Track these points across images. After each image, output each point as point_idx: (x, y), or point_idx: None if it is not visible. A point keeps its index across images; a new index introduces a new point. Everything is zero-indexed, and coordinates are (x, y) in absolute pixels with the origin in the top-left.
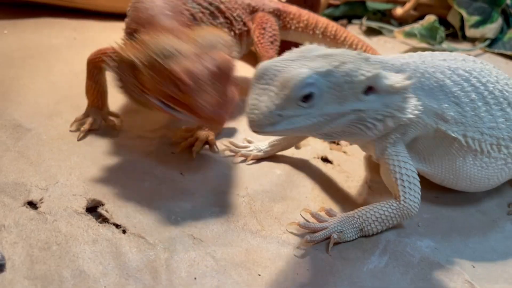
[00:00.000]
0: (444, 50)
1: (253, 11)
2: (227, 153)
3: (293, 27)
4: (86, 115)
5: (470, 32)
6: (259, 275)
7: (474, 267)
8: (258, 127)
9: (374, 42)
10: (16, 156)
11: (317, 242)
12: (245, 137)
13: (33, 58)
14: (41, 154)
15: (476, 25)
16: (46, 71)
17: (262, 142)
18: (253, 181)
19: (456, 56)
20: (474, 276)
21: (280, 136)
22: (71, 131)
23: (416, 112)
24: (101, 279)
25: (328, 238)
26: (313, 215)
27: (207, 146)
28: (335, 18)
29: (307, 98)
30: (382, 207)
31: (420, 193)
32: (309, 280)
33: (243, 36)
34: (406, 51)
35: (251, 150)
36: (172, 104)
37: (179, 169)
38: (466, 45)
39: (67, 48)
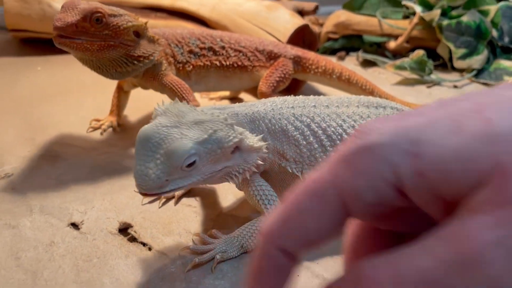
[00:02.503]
0: (432, 81)
1: (276, 56)
2: (148, 199)
3: (312, 72)
4: (105, 119)
5: (457, 64)
6: None
7: None
8: (147, 191)
9: (369, 73)
10: (58, 183)
11: (205, 262)
12: None
13: (64, 94)
14: (79, 182)
15: (463, 57)
16: (77, 106)
17: None
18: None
19: (307, 102)
20: None
21: None
22: (90, 128)
23: (265, 152)
24: (132, 285)
25: (213, 258)
26: (201, 239)
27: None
28: (334, 50)
29: (189, 165)
30: (254, 224)
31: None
32: None
33: (236, 68)
34: (399, 82)
35: None
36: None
37: (194, 195)
38: (454, 76)
39: (94, 84)
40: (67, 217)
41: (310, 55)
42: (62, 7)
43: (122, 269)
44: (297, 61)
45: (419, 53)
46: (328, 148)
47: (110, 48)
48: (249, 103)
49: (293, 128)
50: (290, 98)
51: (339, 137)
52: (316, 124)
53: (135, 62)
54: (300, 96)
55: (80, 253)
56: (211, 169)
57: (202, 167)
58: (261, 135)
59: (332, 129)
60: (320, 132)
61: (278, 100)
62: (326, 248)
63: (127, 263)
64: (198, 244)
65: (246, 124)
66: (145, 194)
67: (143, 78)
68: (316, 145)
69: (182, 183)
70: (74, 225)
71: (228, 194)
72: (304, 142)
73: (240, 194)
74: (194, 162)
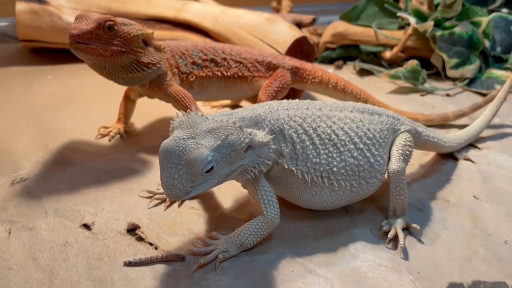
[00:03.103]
0: (426, 89)
1: (274, 67)
2: (154, 202)
3: (309, 82)
4: (112, 127)
5: (450, 73)
6: None
7: (419, 273)
8: (176, 199)
9: (365, 81)
10: (70, 187)
11: (209, 263)
12: (160, 183)
13: (74, 103)
14: (89, 185)
15: (456, 66)
16: (86, 114)
17: None
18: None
19: (300, 105)
20: (416, 278)
21: None
22: (98, 135)
23: (273, 155)
24: (140, 281)
25: (216, 257)
26: (202, 241)
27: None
28: (332, 60)
29: (208, 170)
30: (253, 223)
31: (277, 207)
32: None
33: (236, 78)
34: (394, 90)
35: None
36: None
37: (196, 198)
38: (447, 84)
39: (101, 92)
40: (79, 218)
41: (307, 66)
42: (76, 18)
43: (131, 267)
44: (295, 72)
45: (413, 62)
46: (319, 146)
47: (122, 54)
48: (250, 107)
49: (288, 127)
50: (285, 101)
51: (327, 136)
52: (308, 124)
53: (145, 68)
54: (296, 99)
55: (92, 252)
56: (228, 169)
57: (221, 169)
58: (267, 129)
59: (322, 129)
60: (311, 131)
61: (274, 103)
62: (318, 245)
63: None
64: (200, 247)
65: (251, 127)
66: (175, 201)
67: (149, 88)
68: (308, 143)
69: (205, 186)
70: (86, 226)
71: (228, 197)
72: (298, 140)
73: (240, 197)
74: (212, 168)
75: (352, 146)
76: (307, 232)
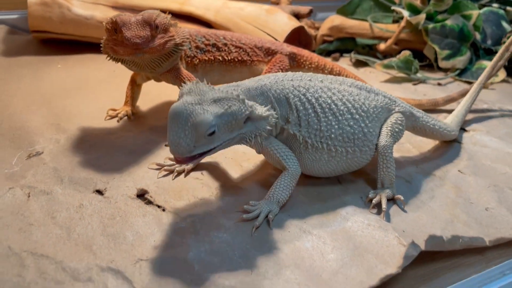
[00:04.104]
0: (418, 78)
1: (273, 53)
2: (162, 173)
3: (306, 67)
4: (120, 109)
5: (442, 64)
6: None
7: (404, 231)
8: (180, 155)
9: (361, 72)
10: (82, 160)
11: (262, 223)
12: (167, 157)
13: (83, 89)
14: (100, 159)
15: (447, 57)
16: (95, 100)
17: None
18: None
19: (304, 76)
20: (401, 235)
21: None
22: (107, 117)
23: (274, 120)
24: (150, 237)
25: (265, 217)
26: (245, 209)
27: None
28: (329, 52)
29: (211, 133)
30: (280, 181)
31: (295, 158)
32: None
33: (236, 63)
34: (388, 79)
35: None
36: (113, 45)
37: (201, 169)
38: (439, 75)
39: (109, 80)
40: (92, 185)
41: (304, 52)
42: (120, 25)
43: (141, 225)
44: (293, 57)
45: (406, 53)
46: (320, 114)
47: (167, 43)
48: (257, 78)
49: (293, 96)
50: (290, 73)
51: (328, 106)
52: (310, 94)
53: (179, 47)
54: (300, 72)
55: (105, 213)
56: (228, 136)
57: (221, 135)
58: (269, 106)
59: (323, 99)
60: (313, 100)
61: (280, 74)
62: (312, 210)
63: (145, 221)
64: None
65: (257, 97)
66: (178, 161)
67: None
68: (310, 111)
69: (206, 148)
70: (99, 192)
71: (230, 169)
72: (301, 108)
73: (240, 170)
74: (214, 132)
75: (349, 116)
76: (302, 199)
